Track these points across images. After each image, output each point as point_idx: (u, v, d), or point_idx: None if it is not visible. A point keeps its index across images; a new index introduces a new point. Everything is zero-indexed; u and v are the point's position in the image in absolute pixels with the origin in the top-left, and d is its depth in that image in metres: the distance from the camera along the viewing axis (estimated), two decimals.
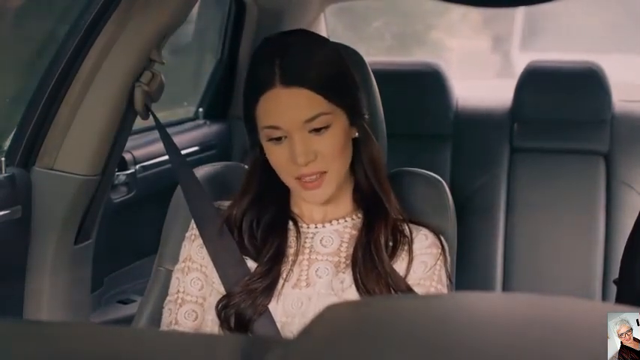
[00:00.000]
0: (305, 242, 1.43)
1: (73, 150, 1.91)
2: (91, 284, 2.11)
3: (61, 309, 1.98)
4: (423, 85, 2.99)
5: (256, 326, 1.36)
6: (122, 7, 1.81)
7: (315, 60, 1.35)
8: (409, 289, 1.38)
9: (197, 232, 1.46)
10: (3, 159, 1.87)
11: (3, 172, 1.86)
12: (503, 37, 5.74)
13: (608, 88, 2.84)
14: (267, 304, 1.37)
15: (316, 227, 1.44)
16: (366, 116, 1.44)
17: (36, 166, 1.93)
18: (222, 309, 1.37)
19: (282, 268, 1.40)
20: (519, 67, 3.04)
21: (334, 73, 1.37)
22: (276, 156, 1.36)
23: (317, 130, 1.33)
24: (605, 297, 2.74)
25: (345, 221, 1.44)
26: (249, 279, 1.38)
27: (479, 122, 2.97)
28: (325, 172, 1.35)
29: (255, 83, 1.36)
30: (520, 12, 5.16)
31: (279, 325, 1.36)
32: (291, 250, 1.41)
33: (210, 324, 1.42)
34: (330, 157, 1.35)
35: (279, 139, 1.35)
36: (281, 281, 1.39)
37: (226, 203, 1.50)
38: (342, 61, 1.40)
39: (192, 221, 1.48)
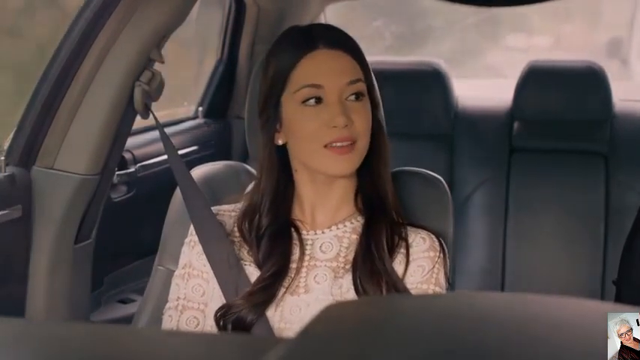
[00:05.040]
0: (305, 250, 1.41)
1: (73, 149, 1.91)
2: (91, 284, 2.11)
3: (61, 309, 1.98)
4: (423, 85, 2.99)
5: (254, 332, 1.34)
6: (122, 6, 1.81)
7: (348, 35, 1.42)
8: (406, 291, 1.37)
9: (197, 238, 1.44)
10: (3, 158, 1.87)
11: (3, 171, 1.86)
12: (622, 41, 5.25)
13: (608, 87, 2.84)
14: (265, 310, 1.36)
15: (316, 234, 1.42)
16: (381, 112, 1.45)
17: (36, 165, 1.93)
18: (221, 317, 1.36)
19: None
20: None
21: (362, 53, 1.41)
22: (309, 120, 1.34)
23: (353, 98, 1.35)
24: (605, 297, 2.74)
25: (345, 225, 1.43)
26: (251, 291, 1.36)
27: (479, 122, 2.98)
28: (355, 142, 1.34)
29: (294, 48, 1.37)
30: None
31: (276, 332, 1.35)
32: (292, 258, 1.40)
33: (210, 329, 1.40)
34: (361, 127, 1.35)
35: (318, 100, 1.34)
36: (281, 289, 1.37)
37: (224, 207, 1.49)
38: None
39: (192, 227, 1.47)
